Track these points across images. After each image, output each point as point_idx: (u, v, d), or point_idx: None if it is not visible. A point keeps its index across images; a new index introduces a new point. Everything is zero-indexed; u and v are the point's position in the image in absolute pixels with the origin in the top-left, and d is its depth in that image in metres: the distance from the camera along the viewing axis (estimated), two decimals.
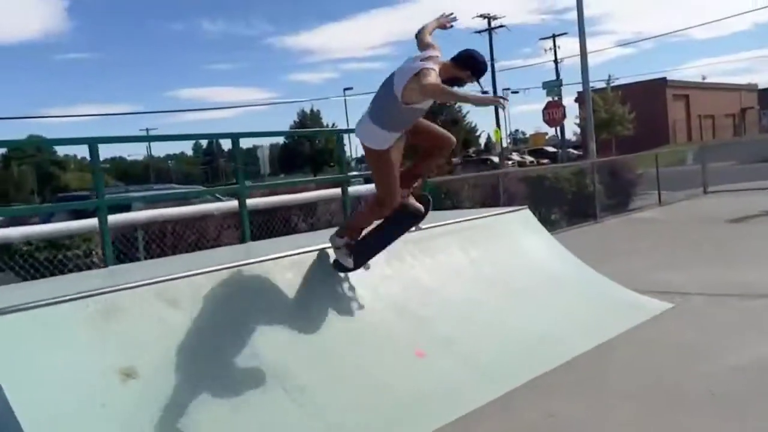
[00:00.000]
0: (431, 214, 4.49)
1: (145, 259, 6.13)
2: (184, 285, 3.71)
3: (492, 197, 10.63)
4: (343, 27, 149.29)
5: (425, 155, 4.41)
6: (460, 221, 5.68)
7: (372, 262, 4.61)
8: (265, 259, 4.18)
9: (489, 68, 4.58)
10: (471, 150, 59.95)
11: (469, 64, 4.02)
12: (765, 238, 8.79)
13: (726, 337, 4.67)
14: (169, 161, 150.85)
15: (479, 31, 48.12)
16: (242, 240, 5.50)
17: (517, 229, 6.04)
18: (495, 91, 46.31)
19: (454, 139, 4.40)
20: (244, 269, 4.03)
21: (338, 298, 4.27)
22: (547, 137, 69.29)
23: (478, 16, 47.13)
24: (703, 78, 64.72)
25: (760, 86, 65.44)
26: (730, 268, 7.00)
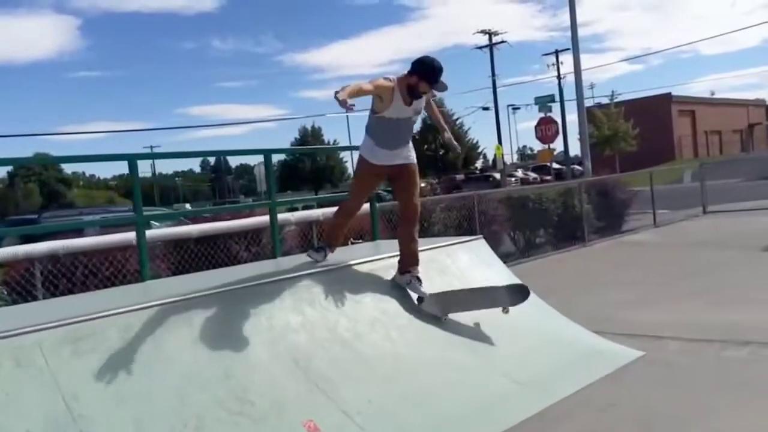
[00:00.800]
0: (365, 245, 3.93)
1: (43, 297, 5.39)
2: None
3: (468, 220, 9.87)
4: (352, 44, 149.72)
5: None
6: (395, 255, 4.92)
7: (275, 306, 3.92)
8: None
9: (439, 70, 4.31)
10: (475, 167, 59.31)
11: (415, 69, 4.29)
12: (759, 267, 7.97)
13: (696, 402, 3.87)
14: (177, 178, 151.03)
15: (481, 47, 47.54)
16: (141, 277, 4.75)
17: (466, 263, 5.28)
18: (497, 108, 45.82)
19: (416, 211, 4.66)
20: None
21: (223, 355, 3.52)
22: (555, 153, 68.23)
23: (479, 32, 46.60)
24: (712, 93, 63.96)
25: None
26: (717, 304, 6.20)
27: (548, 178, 53.39)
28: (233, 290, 3.95)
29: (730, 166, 35.23)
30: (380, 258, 4.77)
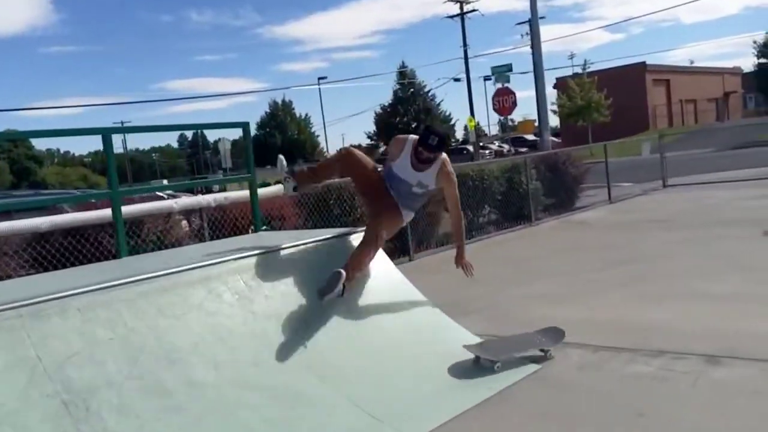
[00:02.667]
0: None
1: None
2: None
3: None
4: (331, 16, 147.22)
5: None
6: (256, 254, 4.12)
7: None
8: None
9: (432, 134, 4.37)
10: (456, 139, 58.19)
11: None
12: (709, 251, 7.27)
13: None
14: (153, 154, 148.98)
15: (452, 16, 46.34)
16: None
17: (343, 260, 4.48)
18: (469, 79, 44.78)
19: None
20: None
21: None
22: (536, 124, 67.60)
23: (449, 0, 45.34)
24: (691, 62, 63.29)
25: (746, 70, 63.96)
26: (648, 298, 5.48)
27: (523, 149, 52.76)
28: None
29: (703, 135, 34.90)
30: (222, 261, 3.95)
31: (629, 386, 3.68)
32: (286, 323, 3.83)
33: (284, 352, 3.65)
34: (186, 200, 6.45)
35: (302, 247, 4.41)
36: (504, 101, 18.04)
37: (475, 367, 4.03)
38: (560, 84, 48.43)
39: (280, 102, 56.25)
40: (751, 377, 3.58)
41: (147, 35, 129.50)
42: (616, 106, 42.61)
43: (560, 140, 53.19)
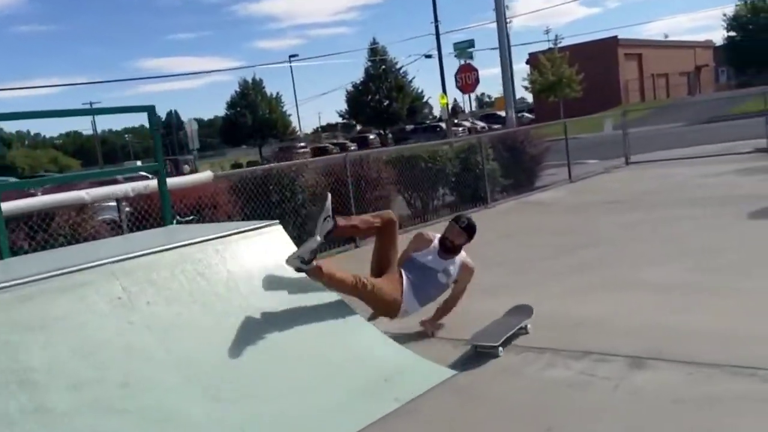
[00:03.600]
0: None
1: None
2: None
3: (342, 186, 8.68)
4: None
5: None
6: (142, 254, 3.72)
7: None
8: None
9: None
10: (434, 116, 57.49)
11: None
12: (662, 234, 6.99)
13: None
14: (126, 135, 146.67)
15: None
16: None
17: (248, 263, 4.10)
18: (441, 55, 44.19)
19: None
20: None
21: None
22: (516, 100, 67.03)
23: None
24: (666, 36, 63.27)
25: (718, 43, 64.00)
26: (585, 290, 5.17)
27: (497, 126, 52.45)
28: None
29: (665, 113, 34.85)
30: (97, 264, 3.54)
31: (544, 395, 3.36)
32: (170, 333, 3.45)
33: (163, 368, 3.28)
34: (99, 191, 5.98)
35: (201, 244, 4.01)
36: (467, 78, 17.62)
37: (386, 374, 3.69)
38: (533, 59, 48.05)
39: (250, 81, 55.18)
40: (674, 384, 3.28)
41: (119, 13, 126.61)
42: (588, 81, 42.35)
43: (534, 116, 53.18)
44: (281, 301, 3.98)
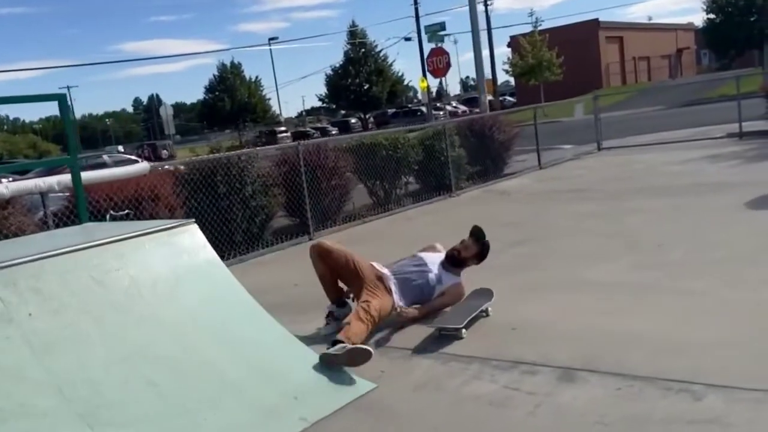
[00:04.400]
0: None
1: None
2: None
3: (295, 176, 8.35)
4: None
5: None
6: (33, 259, 3.39)
7: None
8: None
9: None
10: (418, 99, 56.87)
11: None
12: (618, 226, 6.74)
13: None
14: (107, 120, 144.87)
15: None
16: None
17: (156, 269, 3.78)
18: (420, 38, 43.70)
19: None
20: None
21: None
22: (499, 83, 66.88)
23: None
24: (649, 18, 63.04)
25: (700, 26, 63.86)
26: (527, 289, 4.91)
27: (477, 110, 52.18)
28: None
29: (645, 97, 34.73)
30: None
31: (461, 414, 3.09)
32: (52, 350, 3.13)
33: (39, 390, 2.96)
34: (19, 184, 5.62)
35: (99, 248, 3.68)
36: (438, 62, 17.23)
37: (297, 391, 3.40)
38: (514, 42, 47.68)
39: (228, 64, 54.40)
40: (601, 401, 3.02)
41: None
42: (569, 64, 42.07)
43: (515, 100, 52.91)
44: (190, 309, 3.67)
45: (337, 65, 49.45)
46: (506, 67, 45.08)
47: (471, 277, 5.20)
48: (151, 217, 6.82)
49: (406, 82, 53.44)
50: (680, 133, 15.36)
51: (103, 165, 19.03)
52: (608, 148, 14.38)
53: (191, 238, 4.11)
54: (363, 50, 48.54)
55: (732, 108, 13.26)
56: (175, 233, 4.04)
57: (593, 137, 14.97)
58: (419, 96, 60.08)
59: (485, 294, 4.52)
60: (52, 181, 5.73)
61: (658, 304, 4.18)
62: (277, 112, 60.47)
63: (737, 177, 8.55)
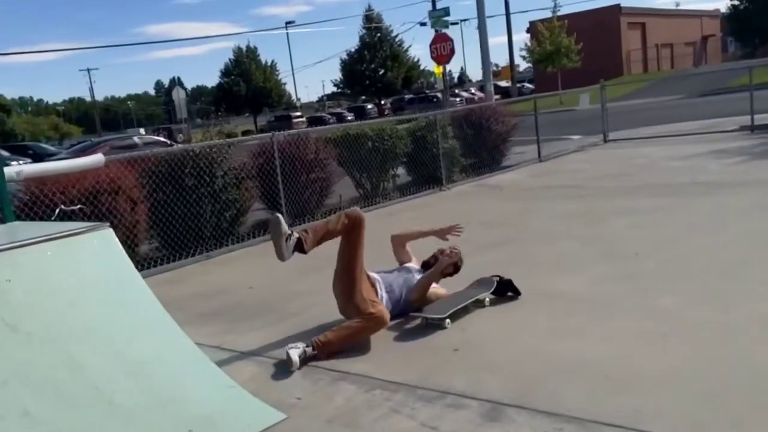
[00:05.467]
0: None
1: None
2: None
3: (270, 169, 8.00)
4: None
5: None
6: None
7: None
8: None
9: None
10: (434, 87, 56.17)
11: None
12: (593, 229, 6.31)
13: None
14: (129, 102, 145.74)
15: None
16: None
17: (58, 274, 3.46)
18: None
19: None
20: None
21: None
22: (520, 70, 66.11)
23: None
24: (677, 4, 61.64)
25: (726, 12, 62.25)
26: (488, 306, 4.53)
27: (496, 97, 51.37)
28: None
29: (665, 85, 33.86)
30: None
31: None
32: None
33: None
34: (33, 168, 5.32)
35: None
36: (441, 48, 16.71)
37: (193, 423, 3.06)
38: (533, 28, 46.78)
39: (244, 48, 54.11)
40: None
41: None
42: (588, 51, 41.19)
43: (534, 86, 51.99)
44: (87, 326, 3.33)
45: (353, 50, 48.94)
46: (523, 53, 44.27)
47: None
48: (109, 211, 6.53)
49: (422, 68, 52.67)
50: (692, 125, 14.78)
51: (134, 146, 18.80)
52: (615, 140, 13.85)
53: (103, 243, 3.77)
54: (378, 35, 47.92)
55: (748, 99, 12.64)
56: (83, 239, 3.70)
57: (600, 128, 14.41)
58: (436, 83, 59.43)
59: (486, 283, 4.47)
60: (11, 171, 5.40)
61: (615, 326, 3.77)
62: (294, 96, 60.21)
63: (738, 175, 8.05)
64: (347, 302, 4.06)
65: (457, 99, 47.59)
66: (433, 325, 4.06)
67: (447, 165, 10.54)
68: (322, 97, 75.88)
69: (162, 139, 24.64)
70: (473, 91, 53.91)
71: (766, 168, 8.31)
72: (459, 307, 4.15)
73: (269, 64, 55.26)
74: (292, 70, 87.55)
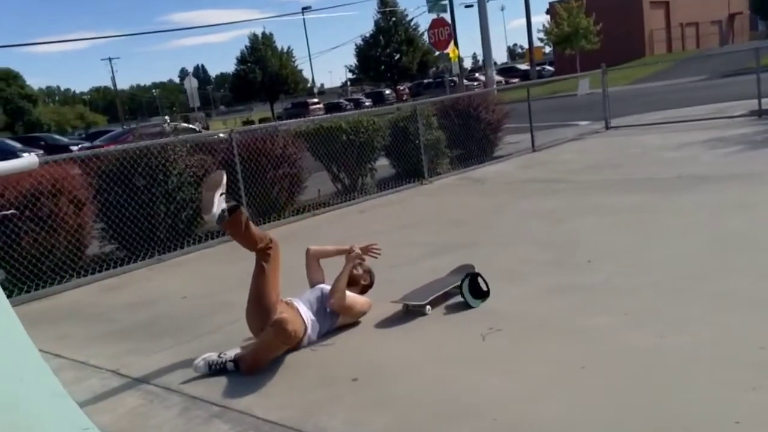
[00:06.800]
0: None
1: None
2: None
3: (230, 166, 7.65)
4: None
5: None
6: None
7: None
8: None
9: None
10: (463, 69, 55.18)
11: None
12: (555, 232, 5.86)
13: None
14: (154, 90, 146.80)
15: None
16: None
17: None
18: (452, 6, 42.24)
19: None
20: None
21: None
22: (545, 53, 64.90)
23: None
24: None
25: None
26: (408, 317, 4.15)
27: (515, 80, 50.30)
28: None
29: (687, 66, 32.79)
30: None
31: None
32: None
33: None
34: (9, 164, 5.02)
35: None
36: (438, 34, 16.18)
37: None
38: (552, 9, 45.70)
39: (260, 35, 53.81)
40: None
41: None
42: (609, 32, 40.12)
43: (554, 69, 50.86)
44: None
45: (367, 35, 48.33)
46: (541, 35, 43.33)
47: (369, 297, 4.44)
48: (50, 215, 6.25)
49: (437, 52, 51.79)
50: (701, 110, 14.09)
51: (162, 134, 18.60)
52: (617, 127, 13.25)
53: None
54: (393, 19, 47.22)
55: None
56: None
57: (615, 111, 13.82)
58: (465, 65, 58.48)
59: (465, 270, 4.48)
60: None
61: (532, 353, 3.36)
62: (311, 83, 59.82)
63: (726, 168, 7.50)
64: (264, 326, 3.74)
65: (475, 83, 46.79)
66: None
67: (430, 157, 10.11)
68: (345, 82, 75.35)
69: (192, 126, 24.37)
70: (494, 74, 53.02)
71: (758, 160, 7.74)
72: (439, 294, 4.22)
73: (285, 50, 54.89)
74: (309, 56, 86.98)
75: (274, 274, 3.83)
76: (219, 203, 3.71)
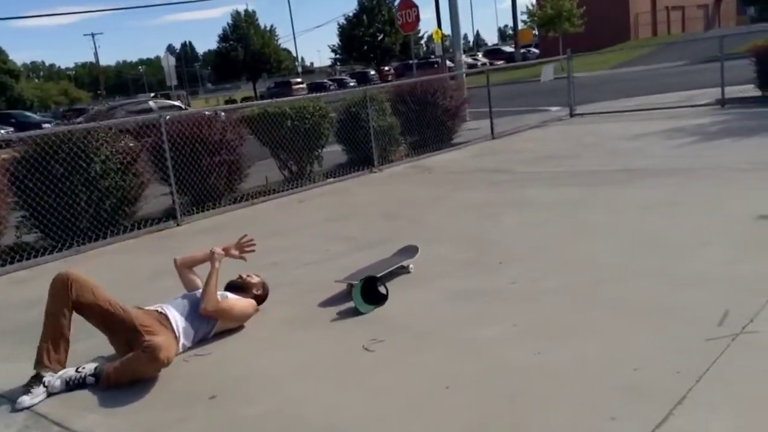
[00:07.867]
0: None
1: None
2: None
3: (159, 153, 7.35)
4: None
5: None
6: None
7: None
8: None
9: None
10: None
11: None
12: (481, 228, 5.63)
13: None
14: (140, 67, 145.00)
15: None
16: None
17: None
18: None
19: None
20: None
21: None
22: (534, 35, 64.43)
23: None
24: None
25: None
26: (303, 320, 3.91)
27: (499, 62, 49.85)
28: None
29: (668, 51, 32.53)
30: None
31: None
32: None
33: None
34: None
35: None
36: (406, 16, 15.82)
37: None
38: None
39: (242, 12, 53.02)
40: None
41: None
42: (593, 14, 39.72)
43: (539, 52, 50.43)
44: None
45: (351, 14, 47.72)
46: (525, 17, 42.87)
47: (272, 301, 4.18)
48: None
49: (421, 33, 51.29)
50: (669, 97, 13.88)
51: (149, 111, 17.93)
52: (582, 114, 13.02)
53: None
54: None
55: (743, 67, 11.78)
56: None
57: (587, 97, 13.58)
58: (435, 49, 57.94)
59: (410, 251, 4.54)
60: None
61: (404, 369, 3.12)
62: (297, 62, 59.14)
63: (672, 161, 7.29)
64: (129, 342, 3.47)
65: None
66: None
67: (383, 144, 9.85)
68: (334, 61, 74.88)
69: (177, 103, 23.77)
70: (475, 57, 52.50)
71: (703, 153, 7.54)
72: (385, 272, 4.21)
73: (268, 28, 54.16)
74: (294, 35, 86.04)
75: (99, 300, 3.53)
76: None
